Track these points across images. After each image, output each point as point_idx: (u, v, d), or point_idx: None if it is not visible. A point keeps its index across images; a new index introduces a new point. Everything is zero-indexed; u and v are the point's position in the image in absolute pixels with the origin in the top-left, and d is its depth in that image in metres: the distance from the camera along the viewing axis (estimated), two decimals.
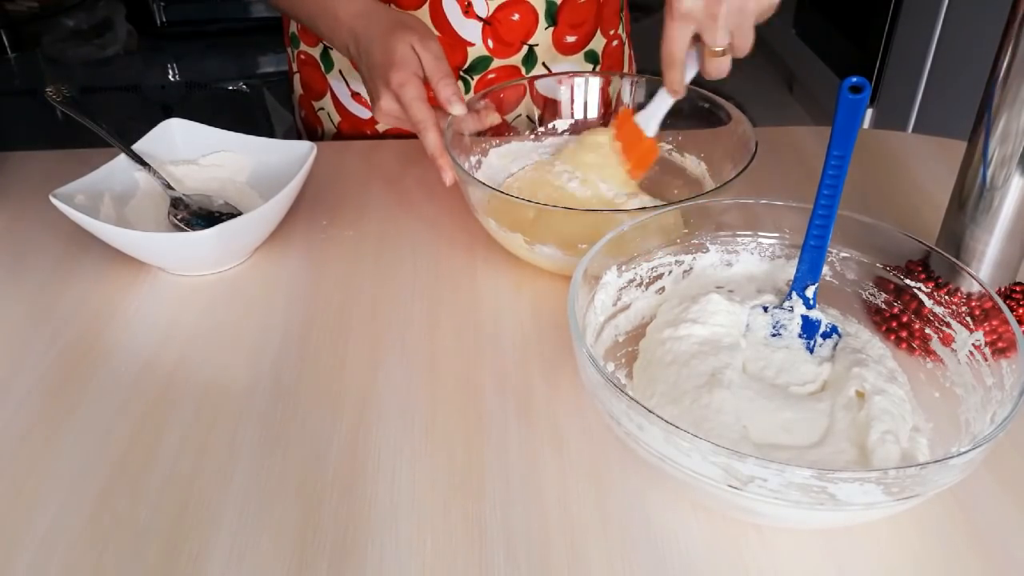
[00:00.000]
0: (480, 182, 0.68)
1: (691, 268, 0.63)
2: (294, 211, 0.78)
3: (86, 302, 0.68)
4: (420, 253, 0.74)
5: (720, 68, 0.68)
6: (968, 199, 0.60)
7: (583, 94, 0.84)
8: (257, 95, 2.42)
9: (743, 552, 0.49)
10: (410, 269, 0.72)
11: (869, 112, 2.24)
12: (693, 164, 0.80)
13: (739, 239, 0.63)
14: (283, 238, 0.75)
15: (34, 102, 2.46)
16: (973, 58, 1.78)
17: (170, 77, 2.65)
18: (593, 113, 0.78)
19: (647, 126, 0.75)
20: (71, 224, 0.68)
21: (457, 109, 0.73)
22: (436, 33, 0.79)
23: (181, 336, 0.65)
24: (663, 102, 0.74)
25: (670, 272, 0.63)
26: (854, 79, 0.51)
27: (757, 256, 0.64)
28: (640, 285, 0.62)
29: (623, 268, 0.60)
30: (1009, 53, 0.54)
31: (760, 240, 0.63)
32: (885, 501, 0.43)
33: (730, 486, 0.44)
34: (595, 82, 0.84)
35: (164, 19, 2.96)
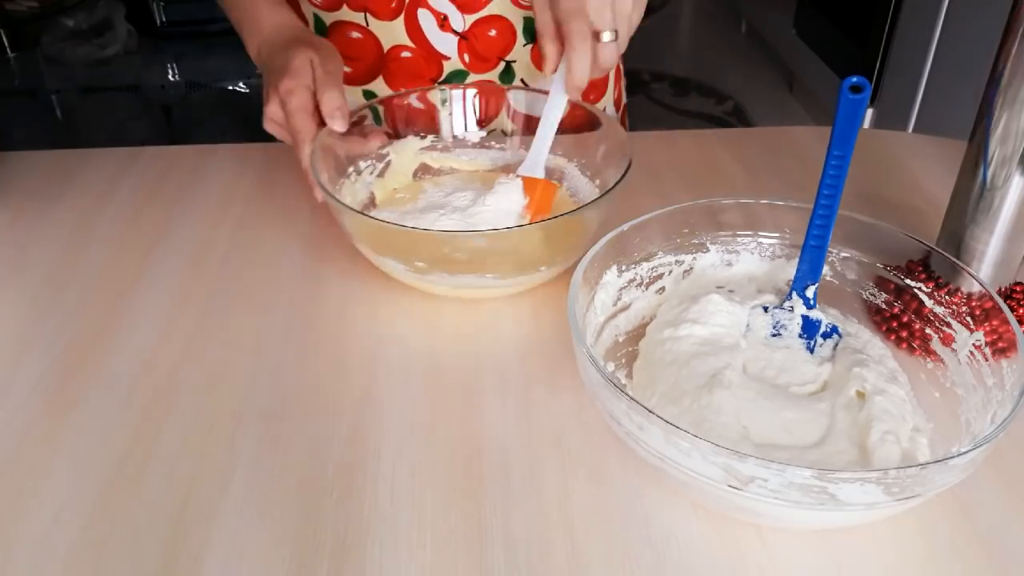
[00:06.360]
0: (343, 204, 0.63)
1: (691, 268, 0.63)
2: (293, 211, 0.78)
3: (86, 302, 0.68)
4: None
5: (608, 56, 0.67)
6: (968, 199, 0.60)
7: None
8: (257, 95, 2.42)
9: (743, 552, 0.49)
10: None
11: (869, 112, 2.24)
12: (575, 171, 0.77)
13: (739, 239, 0.63)
14: (282, 238, 0.75)
15: (34, 102, 2.45)
16: (973, 58, 1.78)
17: (170, 77, 2.64)
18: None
19: (535, 171, 0.72)
20: (71, 224, 0.68)
21: (338, 125, 0.70)
22: (345, 68, 0.77)
23: (181, 336, 0.65)
24: (545, 136, 0.71)
25: (670, 272, 0.63)
26: (854, 79, 0.52)
27: (757, 256, 0.64)
28: (640, 285, 0.62)
29: (623, 268, 0.60)
30: (1009, 53, 0.54)
31: (760, 240, 0.63)
32: (886, 501, 0.43)
33: (730, 486, 0.44)
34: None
35: (164, 19, 2.96)
